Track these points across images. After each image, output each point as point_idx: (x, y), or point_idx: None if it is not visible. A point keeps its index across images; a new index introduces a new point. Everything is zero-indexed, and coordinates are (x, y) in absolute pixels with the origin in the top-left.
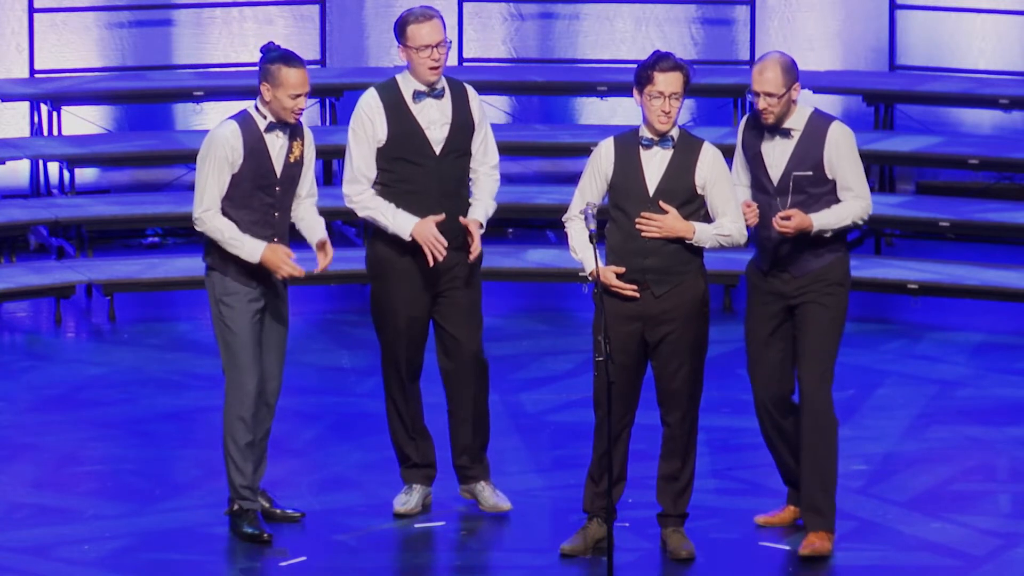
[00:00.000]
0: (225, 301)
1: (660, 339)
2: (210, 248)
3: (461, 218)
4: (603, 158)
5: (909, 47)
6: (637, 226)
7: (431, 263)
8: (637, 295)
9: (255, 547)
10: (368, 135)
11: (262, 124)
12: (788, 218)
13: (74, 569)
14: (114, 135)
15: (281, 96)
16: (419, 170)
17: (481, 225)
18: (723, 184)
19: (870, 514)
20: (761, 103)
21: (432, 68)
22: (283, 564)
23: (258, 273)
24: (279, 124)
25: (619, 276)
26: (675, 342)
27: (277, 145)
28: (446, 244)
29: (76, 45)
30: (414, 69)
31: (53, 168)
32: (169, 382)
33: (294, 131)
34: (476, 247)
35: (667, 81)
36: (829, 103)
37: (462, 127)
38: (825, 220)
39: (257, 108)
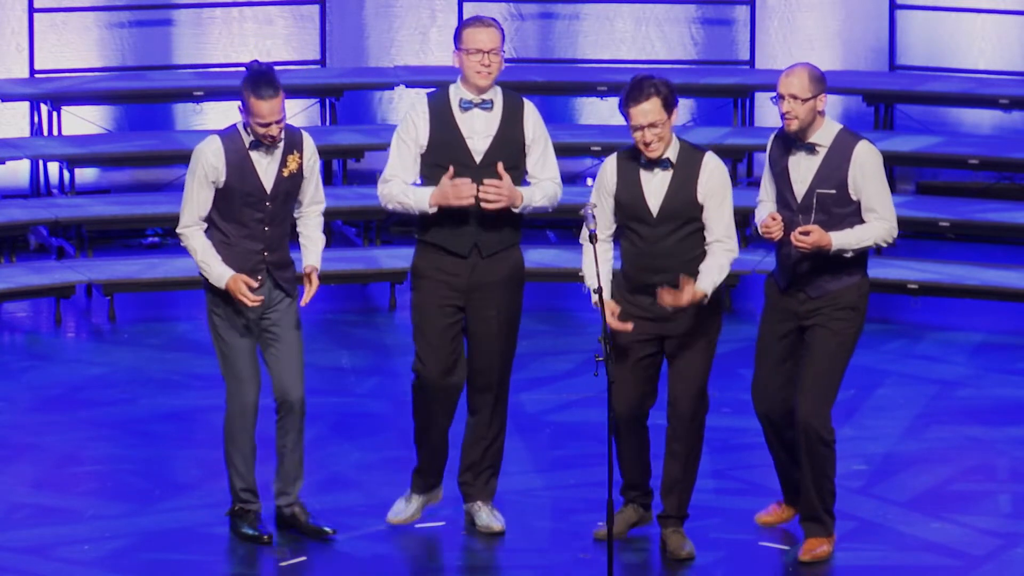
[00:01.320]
0: (217, 312)
1: (674, 343)
2: None
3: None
4: (607, 176)
5: (909, 47)
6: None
7: (470, 202)
8: (630, 329)
9: (255, 547)
10: (411, 139)
11: (247, 140)
12: (807, 233)
13: (74, 569)
14: (114, 135)
15: (251, 122)
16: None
17: (519, 198)
18: (717, 199)
19: (870, 514)
20: (784, 106)
21: (480, 73)
22: (283, 564)
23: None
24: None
25: (634, 285)
26: (688, 346)
27: (265, 161)
28: (468, 192)
29: (76, 45)
30: (464, 73)
31: (53, 168)
32: (169, 382)
33: (290, 144)
34: (495, 190)
35: (641, 113)
36: (829, 103)
37: (507, 141)
38: (845, 240)
39: (246, 124)
